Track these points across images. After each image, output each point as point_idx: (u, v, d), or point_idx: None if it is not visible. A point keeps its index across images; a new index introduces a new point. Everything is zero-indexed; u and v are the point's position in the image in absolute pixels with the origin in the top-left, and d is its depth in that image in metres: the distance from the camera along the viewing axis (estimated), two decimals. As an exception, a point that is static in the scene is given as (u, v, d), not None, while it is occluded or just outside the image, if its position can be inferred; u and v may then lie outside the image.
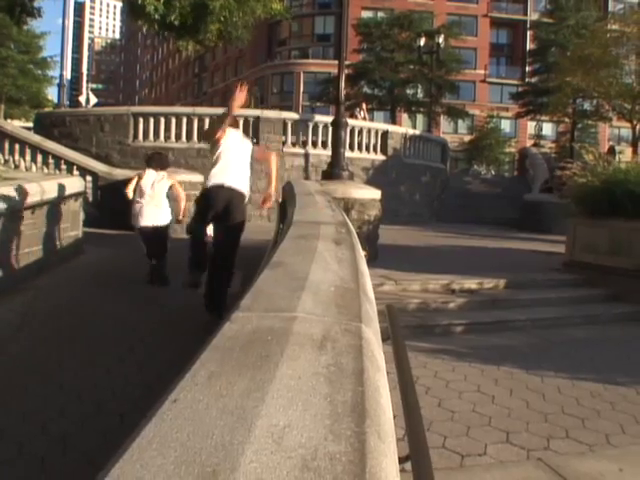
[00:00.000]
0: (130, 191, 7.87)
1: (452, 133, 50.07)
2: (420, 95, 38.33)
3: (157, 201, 8.07)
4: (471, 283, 8.03)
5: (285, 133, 17.06)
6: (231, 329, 1.63)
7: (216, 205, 6.03)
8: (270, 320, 1.72)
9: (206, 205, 6.11)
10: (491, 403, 4.39)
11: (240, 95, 5.63)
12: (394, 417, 1.41)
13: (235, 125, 6.64)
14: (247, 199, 6.46)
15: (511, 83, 51.86)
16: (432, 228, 16.93)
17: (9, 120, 25.98)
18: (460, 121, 46.28)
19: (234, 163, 6.20)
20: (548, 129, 48.67)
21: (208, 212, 6.09)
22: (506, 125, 53.62)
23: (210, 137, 6.27)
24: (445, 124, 47.93)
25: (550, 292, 8.38)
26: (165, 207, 8.21)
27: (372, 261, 8.85)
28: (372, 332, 1.84)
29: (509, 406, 4.35)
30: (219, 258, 6.11)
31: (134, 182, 7.96)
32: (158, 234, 7.99)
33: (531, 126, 49.11)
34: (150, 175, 8.04)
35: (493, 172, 41.62)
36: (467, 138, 50.83)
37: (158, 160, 8.23)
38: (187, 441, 0.97)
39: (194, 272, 6.30)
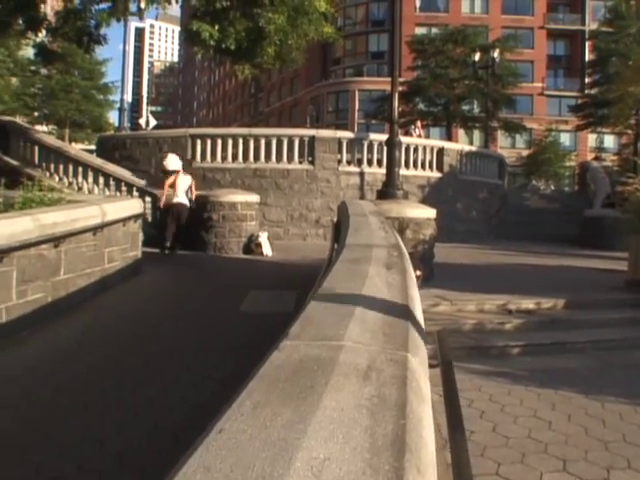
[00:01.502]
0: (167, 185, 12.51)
1: (510, 148, 49.29)
2: (476, 110, 37.96)
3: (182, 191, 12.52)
4: (528, 303, 7.86)
5: (340, 152, 17.16)
6: (279, 358, 1.66)
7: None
8: (317, 349, 1.74)
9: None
10: (548, 429, 4.29)
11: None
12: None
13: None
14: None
15: (570, 95, 50.80)
16: (489, 245, 16.67)
17: (73, 144, 27.04)
18: (518, 135, 45.48)
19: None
20: (610, 142, 47.39)
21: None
22: (565, 138, 52.43)
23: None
24: (502, 139, 47.27)
25: (612, 312, 8.12)
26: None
27: (427, 281, 8.80)
28: (418, 361, 1.84)
29: (567, 432, 4.24)
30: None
31: (171, 179, 12.51)
32: (183, 208, 12.46)
33: (592, 139, 47.91)
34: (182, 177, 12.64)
35: (552, 187, 40.59)
36: (525, 152, 49.89)
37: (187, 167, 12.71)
38: (230, 472, 1.00)
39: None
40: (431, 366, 2.68)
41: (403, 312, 2.38)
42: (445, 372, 2.37)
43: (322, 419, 1.23)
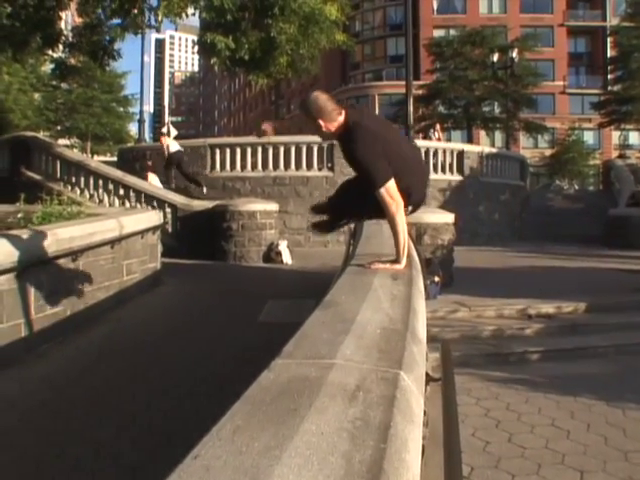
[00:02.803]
0: None
1: (532, 148, 48.87)
2: (497, 111, 37.68)
3: None
4: (549, 307, 7.76)
5: (360, 157, 17.09)
6: (267, 378, 1.64)
7: None
8: (307, 368, 1.72)
9: None
10: (566, 438, 4.20)
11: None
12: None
13: None
14: None
15: (592, 93, 50.09)
16: (512, 248, 16.48)
17: (95, 156, 27.48)
18: (540, 135, 45.03)
19: None
20: (634, 138, 46.73)
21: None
22: (589, 136, 51.82)
23: None
24: (524, 139, 46.82)
25: (635, 315, 7.95)
26: None
27: (447, 286, 8.74)
28: (413, 378, 1.81)
29: (585, 442, 4.15)
30: None
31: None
32: None
33: (616, 136, 47.32)
34: None
35: (576, 187, 40.13)
36: (548, 152, 49.41)
37: None
38: (198, 502, 0.99)
39: None
40: (434, 380, 2.64)
41: (403, 326, 2.34)
42: (445, 387, 2.33)
43: (299, 444, 1.21)
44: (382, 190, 3.35)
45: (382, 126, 3.70)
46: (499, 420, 4.47)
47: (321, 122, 3.40)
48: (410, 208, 3.80)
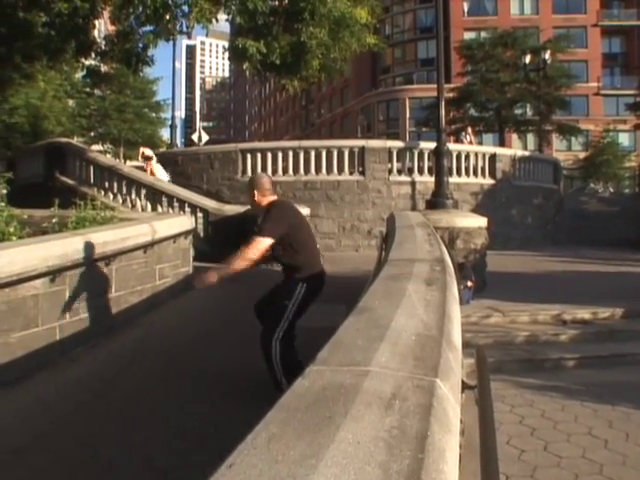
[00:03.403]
0: None
1: (565, 151, 48.21)
2: (529, 114, 37.24)
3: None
4: (584, 313, 7.62)
5: (390, 161, 17.08)
6: (302, 385, 1.62)
7: None
8: (342, 375, 1.70)
9: None
10: (604, 448, 4.10)
11: None
12: None
13: None
14: None
15: (628, 94, 49.07)
16: (545, 252, 16.26)
17: (128, 161, 27.90)
18: (573, 138, 44.38)
19: None
20: (672, 140, 45.77)
21: None
22: (624, 138, 50.97)
23: None
24: (557, 142, 46.18)
25: (674, 321, 7.78)
26: None
27: (480, 291, 8.64)
28: (449, 386, 1.78)
29: (624, 452, 4.04)
30: None
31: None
32: None
33: (652, 138, 46.40)
34: None
35: (611, 189, 39.45)
36: (582, 155, 48.68)
37: None
38: (234, 511, 0.98)
39: None
40: (469, 387, 2.60)
41: (438, 332, 2.31)
42: (481, 395, 2.28)
43: (336, 453, 1.19)
44: (256, 237, 4.63)
45: (295, 216, 5.09)
46: (534, 428, 4.39)
47: (255, 193, 4.91)
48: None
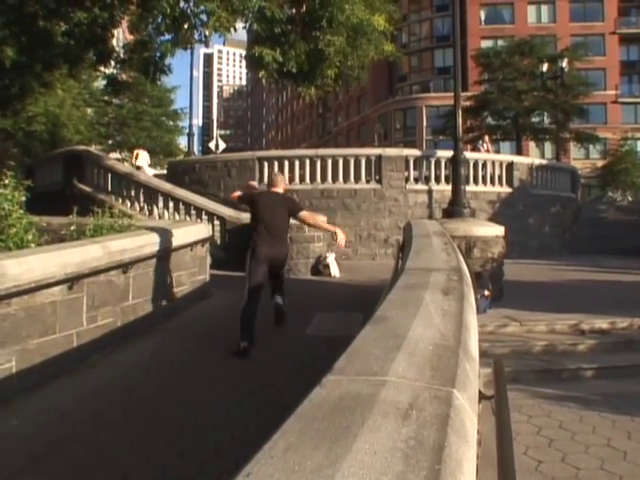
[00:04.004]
0: None
1: (583, 159, 47.88)
2: (546, 122, 37.05)
3: None
4: (602, 322, 7.52)
5: (407, 170, 17.06)
6: (319, 395, 1.62)
7: None
8: (359, 385, 1.70)
9: None
10: (622, 460, 4.04)
11: None
12: None
13: None
14: None
15: (646, 102, 48.87)
16: (563, 261, 16.12)
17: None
18: (591, 146, 44.07)
19: None
20: (691, 148, 45.25)
21: None
22: (643, 147, 50.47)
23: None
24: (575, 150, 45.90)
25: (695, 331, 7.67)
26: None
27: (497, 300, 8.59)
28: (466, 397, 1.77)
29: (643, 464, 3.99)
30: None
31: None
32: None
33: (672, 146, 45.93)
34: None
35: (630, 198, 39.02)
36: (600, 163, 48.29)
37: None
38: (250, 522, 0.98)
39: None
40: (486, 397, 2.58)
41: (455, 342, 2.30)
42: (499, 406, 2.27)
43: (353, 464, 1.19)
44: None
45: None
46: (552, 439, 4.34)
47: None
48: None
